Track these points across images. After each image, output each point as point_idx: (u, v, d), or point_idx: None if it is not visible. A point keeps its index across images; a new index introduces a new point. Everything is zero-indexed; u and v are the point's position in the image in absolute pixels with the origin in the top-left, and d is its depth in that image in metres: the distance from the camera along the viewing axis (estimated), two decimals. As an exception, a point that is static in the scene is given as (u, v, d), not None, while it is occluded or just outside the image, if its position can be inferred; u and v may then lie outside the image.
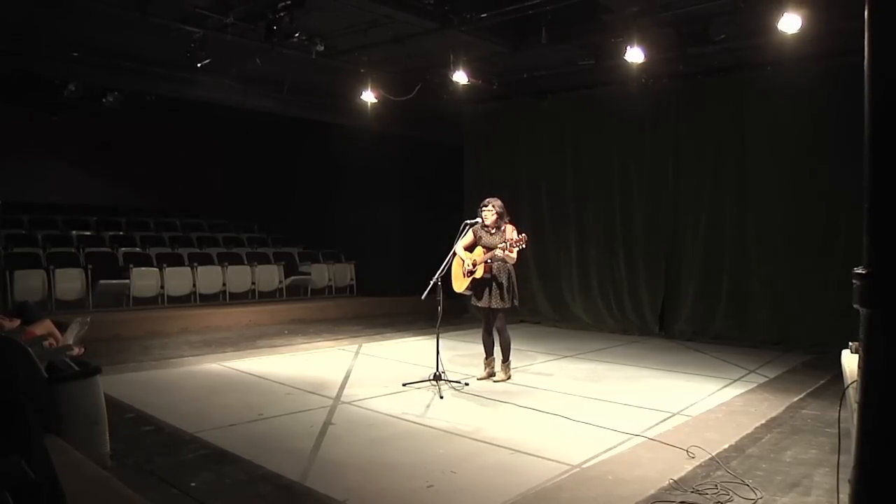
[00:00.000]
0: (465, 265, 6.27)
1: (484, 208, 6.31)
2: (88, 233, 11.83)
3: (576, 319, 10.46)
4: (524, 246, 6.02)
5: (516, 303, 6.37)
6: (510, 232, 6.18)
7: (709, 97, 9.20)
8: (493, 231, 6.26)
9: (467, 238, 6.34)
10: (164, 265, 10.81)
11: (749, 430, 4.77)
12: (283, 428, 4.84)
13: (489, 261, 6.18)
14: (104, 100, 10.17)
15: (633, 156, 9.92)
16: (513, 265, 6.29)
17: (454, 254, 6.23)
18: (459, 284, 6.39)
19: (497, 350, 6.56)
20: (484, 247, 6.25)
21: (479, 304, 6.33)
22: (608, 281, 10.21)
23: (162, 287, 10.65)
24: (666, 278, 9.61)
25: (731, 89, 8.97)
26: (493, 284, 6.21)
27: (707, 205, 9.23)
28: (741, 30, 7.44)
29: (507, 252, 6.03)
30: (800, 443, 4.52)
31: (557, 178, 10.75)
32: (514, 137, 11.26)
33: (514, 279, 6.33)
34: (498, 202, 6.32)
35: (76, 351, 3.58)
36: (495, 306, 6.25)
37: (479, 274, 6.21)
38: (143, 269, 10.61)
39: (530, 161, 11.07)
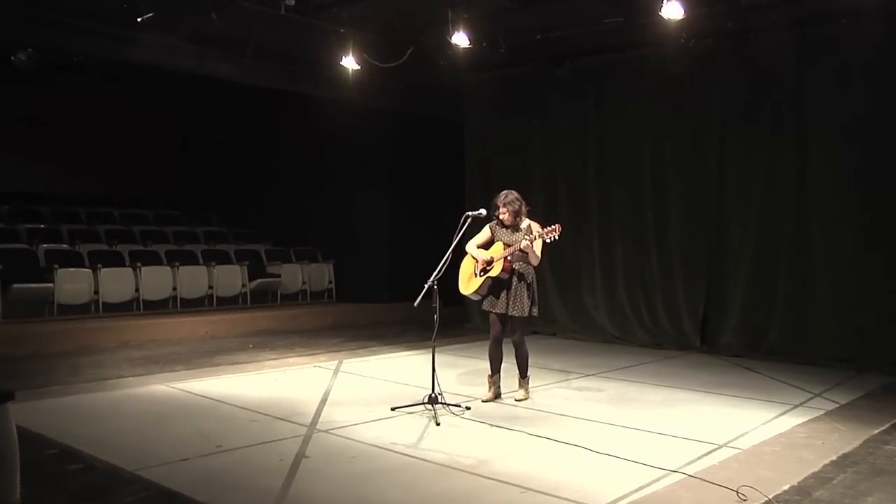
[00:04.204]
0: (479, 262, 6.28)
1: (499, 203, 6.31)
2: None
3: (599, 331, 10.48)
4: (556, 237, 6.00)
5: (535, 311, 6.38)
6: (535, 227, 6.17)
7: (763, 61, 9.11)
8: (513, 228, 6.28)
9: (483, 235, 6.40)
10: (99, 265, 10.77)
11: (816, 469, 4.72)
12: (247, 462, 4.83)
13: (509, 257, 6.16)
14: (13, 58, 9.92)
15: (670, 135, 9.91)
16: (534, 267, 6.31)
17: (453, 251, 6.18)
18: (470, 286, 6.39)
19: (504, 367, 6.53)
20: (503, 244, 6.27)
21: (494, 310, 6.32)
22: (638, 285, 10.22)
23: (96, 292, 10.62)
24: (709, 282, 9.60)
25: (791, 50, 8.88)
26: (514, 286, 6.23)
27: (760, 194, 9.20)
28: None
29: (531, 244, 6.00)
30: (884, 486, 4.44)
31: (577, 162, 10.75)
32: (524, 112, 11.26)
33: (535, 283, 6.36)
34: (514, 193, 6.34)
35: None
36: (514, 313, 6.24)
37: (495, 272, 6.21)
38: (72, 269, 10.56)
39: (544, 140, 11.06)
